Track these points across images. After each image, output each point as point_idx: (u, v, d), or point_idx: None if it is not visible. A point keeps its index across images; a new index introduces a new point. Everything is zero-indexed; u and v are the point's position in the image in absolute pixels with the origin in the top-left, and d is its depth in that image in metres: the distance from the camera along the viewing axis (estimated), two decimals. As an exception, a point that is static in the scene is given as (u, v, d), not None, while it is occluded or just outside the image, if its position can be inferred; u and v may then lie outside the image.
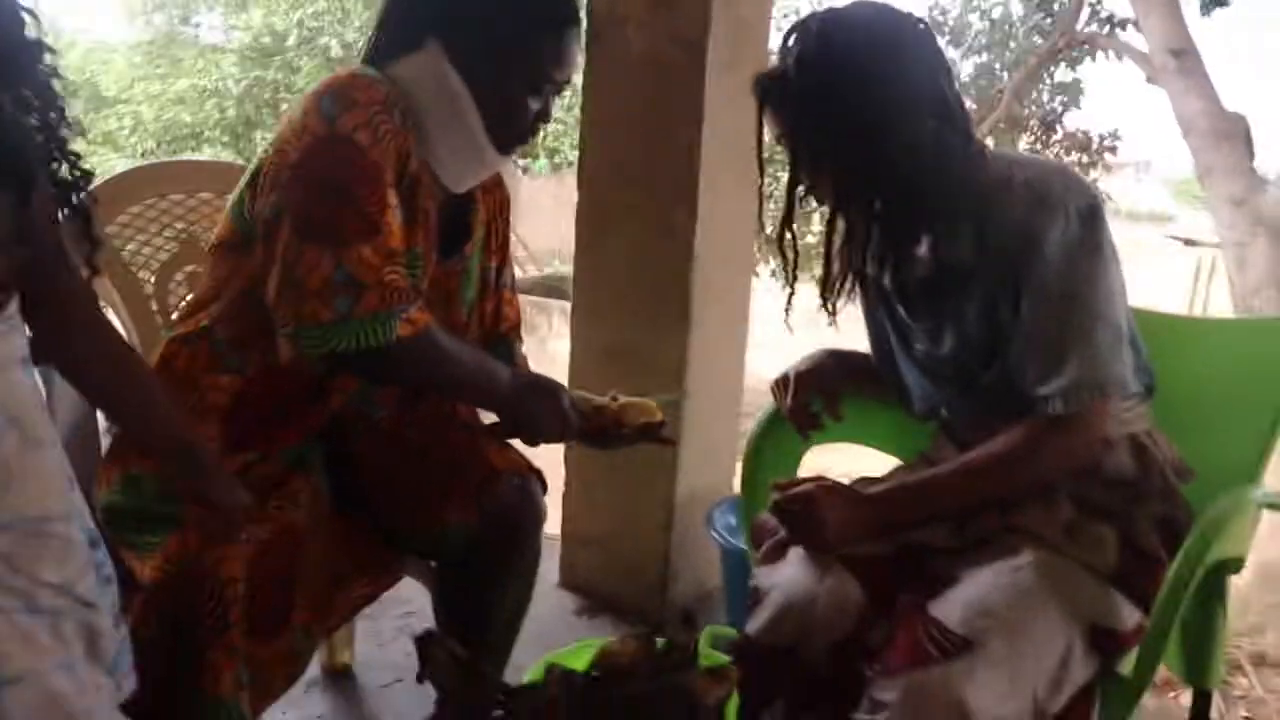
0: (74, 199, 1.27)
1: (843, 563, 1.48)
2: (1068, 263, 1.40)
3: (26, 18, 1.13)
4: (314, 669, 2.39)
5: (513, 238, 2.11)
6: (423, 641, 1.30)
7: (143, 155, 9.43)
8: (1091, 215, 1.42)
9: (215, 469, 1.46)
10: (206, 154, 9.26)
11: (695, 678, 1.30)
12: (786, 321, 1.61)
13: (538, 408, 1.68)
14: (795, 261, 1.60)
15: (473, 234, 1.80)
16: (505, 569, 1.78)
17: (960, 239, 1.49)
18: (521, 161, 9.94)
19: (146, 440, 1.49)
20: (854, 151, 1.47)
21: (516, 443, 1.80)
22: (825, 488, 1.50)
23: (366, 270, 1.48)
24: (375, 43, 1.68)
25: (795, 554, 1.54)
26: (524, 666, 2.04)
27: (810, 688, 1.42)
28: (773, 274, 6.65)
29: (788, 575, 1.51)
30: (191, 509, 1.47)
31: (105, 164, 9.22)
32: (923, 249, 1.56)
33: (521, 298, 2.12)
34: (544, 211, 12.71)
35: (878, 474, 1.74)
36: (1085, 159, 10.02)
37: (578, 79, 2.65)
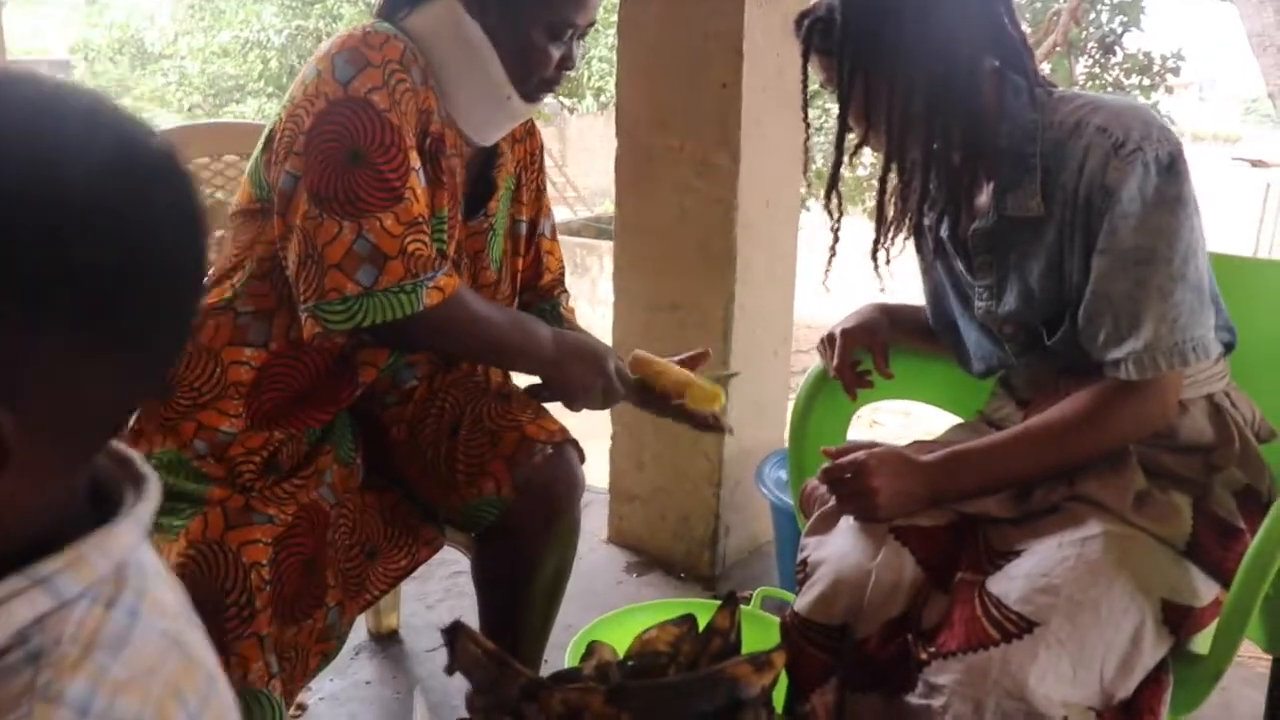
0: None
1: (896, 535, 1.39)
2: (1145, 217, 1.29)
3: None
4: (361, 634, 2.37)
5: (561, 179, 2.03)
6: (450, 633, 1.25)
7: (189, 110, 9.43)
8: (1172, 164, 1.29)
9: None
10: (251, 106, 9.22)
11: (738, 666, 1.23)
12: (825, 283, 1.52)
13: (581, 372, 1.62)
14: (840, 219, 1.50)
15: (497, 189, 1.73)
16: (542, 540, 1.72)
17: (1025, 189, 1.38)
18: (568, 101, 9.81)
19: None
20: (907, 97, 1.36)
21: (554, 409, 1.74)
22: (877, 455, 1.41)
23: (389, 240, 1.43)
24: None
25: (845, 524, 1.46)
26: (573, 626, 2.00)
27: (862, 669, 1.34)
28: (825, 208, 6.49)
29: (838, 548, 1.43)
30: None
31: (152, 121, 9.24)
32: (984, 199, 1.45)
33: (571, 239, 2.05)
34: (592, 151, 12.58)
35: (932, 436, 1.65)
36: (1146, 81, 9.66)
37: (613, 18, 2.56)
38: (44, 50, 11.61)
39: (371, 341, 1.58)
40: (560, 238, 1.99)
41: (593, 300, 7.03)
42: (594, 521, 2.79)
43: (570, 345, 1.63)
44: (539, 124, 1.88)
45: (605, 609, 2.21)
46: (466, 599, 1.87)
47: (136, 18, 10.93)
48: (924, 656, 1.26)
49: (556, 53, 1.58)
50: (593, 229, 8.54)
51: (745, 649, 1.43)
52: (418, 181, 1.48)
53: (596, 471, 2.28)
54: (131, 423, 1.59)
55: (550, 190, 1.93)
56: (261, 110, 9.21)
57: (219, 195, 2.09)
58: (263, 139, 1.57)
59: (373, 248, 1.42)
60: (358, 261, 1.42)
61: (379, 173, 1.43)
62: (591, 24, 1.59)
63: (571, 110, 10.72)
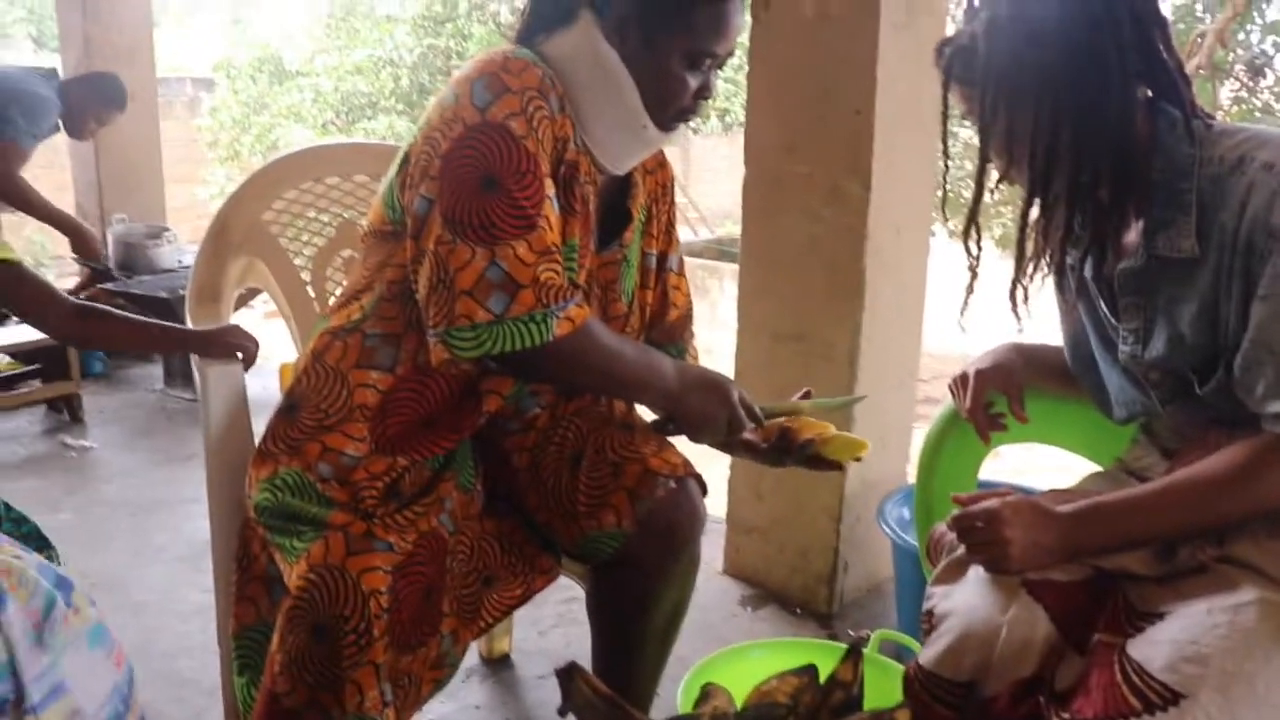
0: None
1: (1029, 589, 1.32)
2: None
3: None
4: (472, 658, 2.37)
5: (684, 200, 2.00)
6: (564, 675, 1.22)
7: (323, 126, 9.66)
8: None
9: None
10: (382, 123, 9.39)
11: (860, 723, 1.17)
12: (960, 322, 1.46)
13: (704, 403, 1.58)
14: (979, 255, 1.44)
15: (632, 219, 1.71)
16: (661, 575, 1.69)
17: (1179, 228, 1.30)
18: (692, 123, 9.79)
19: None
20: (1054, 130, 1.30)
21: (679, 442, 1.72)
22: (1011, 504, 1.34)
23: (522, 268, 1.42)
24: (527, 20, 1.60)
25: (975, 575, 1.40)
26: (686, 658, 1.97)
27: (989, 730, 1.28)
28: (951, 235, 6.30)
29: (967, 600, 1.37)
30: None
31: (288, 136, 9.50)
32: (1132, 238, 1.38)
33: (692, 260, 2.01)
34: (716, 172, 12.55)
35: (1055, 469, 1.57)
36: (1300, 106, 9.21)
37: (745, 41, 2.53)
38: (189, 69, 12.06)
39: (497, 370, 1.57)
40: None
41: (712, 323, 6.98)
42: (710, 551, 2.75)
43: (693, 377, 1.60)
44: (661, 145, 1.86)
45: (719, 642, 2.17)
46: (579, 626, 1.85)
47: (276, 37, 11.31)
48: (1058, 722, 1.20)
49: (694, 82, 1.55)
50: (714, 250, 8.48)
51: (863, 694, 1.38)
52: (552, 210, 1.47)
53: (714, 500, 2.25)
54: (259, 442, 1.61)
55: (673, 213, 1.91)
56: (392, 126, 9.36)
57: (349, 215, 2.12)
58: (397, 161, 1.57)
59: (505, 275, 1.41)
60: (489, 289, 1.41)
61: (514, 200, 1.43)
62: (730, 53, 1.56)
63: (695, 131, 10.69)
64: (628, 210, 1.71)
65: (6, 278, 1.72)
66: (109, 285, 4.40)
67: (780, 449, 1.66)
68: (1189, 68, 8.60)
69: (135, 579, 2.81)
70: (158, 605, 2.66)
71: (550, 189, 1.48)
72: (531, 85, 1.46)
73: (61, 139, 4.50)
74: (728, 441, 1.66)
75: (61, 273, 6.24)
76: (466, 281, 1.42)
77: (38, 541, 1.58)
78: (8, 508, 1.60)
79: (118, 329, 1.88)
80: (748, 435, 1.65)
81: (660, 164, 1.79)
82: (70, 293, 4.68)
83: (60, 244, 5.83)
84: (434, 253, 1.44)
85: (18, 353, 4.03)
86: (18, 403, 4.04)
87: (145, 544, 3.02)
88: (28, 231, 7.88)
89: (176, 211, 6.27)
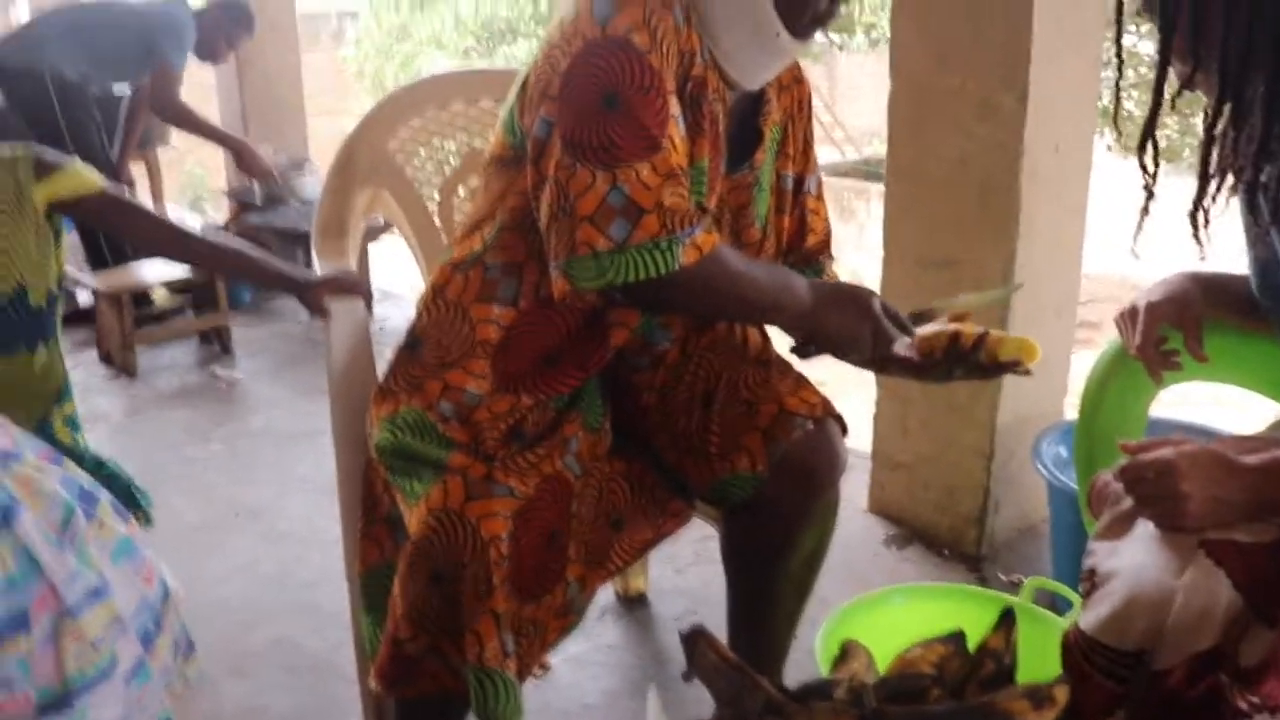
0: None
1: (1208, 550, 1.18)
2: None
3: None
4: (608, 595, 2.33)
5: (829, 119, 1.88)
6: (689, 640, 1.15)
7: (464, 53, 9.73)
8: None
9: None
10: (522, 47, 9.40)
11: (1014, 700, 1.07)
12: (1133, 248, 1.31)
13: (842, 320, 1.46)
14: (1156, 174, 1.28)
15: (763, 139, 1.59)
16: (797, 521, 1.60)
17: None
18: (837, 39, 9.49)
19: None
20: (1252, 23, 1.13)
21: (816, 379, 1.61)
22: (1189, 454, 1.20)
23: (644, 192, 1.33)
24: None
25: (1144, 531, 1.26)
26: (828, 599, 1.89)
27: (1161, 707, 1.15)
28: (1108, 148, 5.83)
29: (1135, 560, 1.23)
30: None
31: (429, 63, 9.59)
32: None
33: (839, 181, 1.91)
34: (862, 90, 12.18)
35: (1237, 410, 1.41)
36: None
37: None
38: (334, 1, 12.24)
39: (623, 300, 1.49)
40: (827, 180, 1.83)
41: (859, 247, 6.78)
42: (854, 488, 2.65)
43: (828, 293, 1.49)
44: (807, 62, 1.73)
45: (861, 583, 2.08)
46: (717, 565, 1.79)
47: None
48: (1243, 706, 1.06)
49: None
50: (861, 171, 8.23)
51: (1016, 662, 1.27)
52: (677, 129, 1.38)
53: (858, 435, 2.14)
54: (381, 379, 1.57)
55: (818, 131, 1.78)
56: (532, 51, 9.39)
57: (476, 143, 2.05)
58: (517, 83, 1.50)
59: (627, 200, 1.33)
60: (611, 215, 1.33)
61: (636, 118, 1.34)
62: None
63: (840, 48, 10.35)
64: (759, 129, 1.59)
65: (99, 205, 1.71)
66: (253, 218, 4.48)
67: (951, 359, 1.52)
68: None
69: (278, 509, 2.86)
70: (299, 536, 2.69)
71: (676, 107, 1.38)
72: None
73: (207, 76, 4.58)
74: (880, 360, 1.54)
75: (218, 205, 6.42)
76: (587, 207, 1.34)
77: (125, 497, 1.59)
78: (100, 464, 1.63)
79: (221, 258, 1.91)
80: (901, 351, 1.51)
81: (797, 79, 1.66)
82: (221, 227, 4.82)
83: (217, 178, 5.97)
84: (554, 178, 1.36)
85: (173, 287, 4.15)
86: (172, 335, 4.17)
87: (289, 475, 3.07)
88: (188, 165, 8.13)
89: (327, 143, 6.35)
